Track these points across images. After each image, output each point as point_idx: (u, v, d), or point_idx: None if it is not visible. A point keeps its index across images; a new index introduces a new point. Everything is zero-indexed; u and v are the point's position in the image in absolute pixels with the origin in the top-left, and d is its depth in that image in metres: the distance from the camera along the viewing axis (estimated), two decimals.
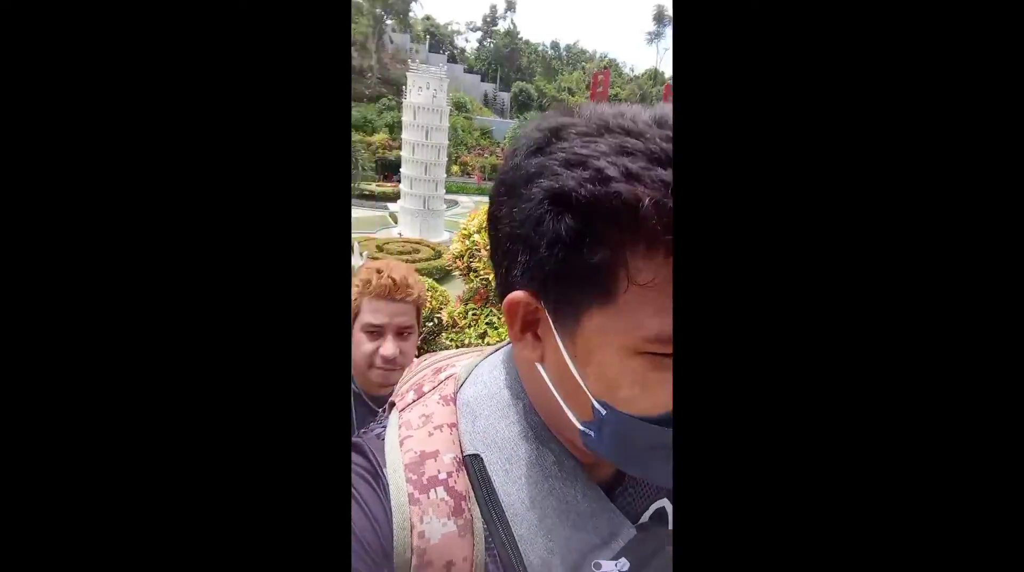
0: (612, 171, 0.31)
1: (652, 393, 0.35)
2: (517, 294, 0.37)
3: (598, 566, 0.40)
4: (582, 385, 0.37)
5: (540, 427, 0.43)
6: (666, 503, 0.48)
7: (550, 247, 0.33)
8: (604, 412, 0.37)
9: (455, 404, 0.44)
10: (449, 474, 0.39)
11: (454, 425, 0.42)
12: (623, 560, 0.40)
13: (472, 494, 0.40)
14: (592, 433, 0.38)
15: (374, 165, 32.06)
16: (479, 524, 0.39)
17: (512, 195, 0.36)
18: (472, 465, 0.41)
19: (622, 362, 0.35)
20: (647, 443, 0.37)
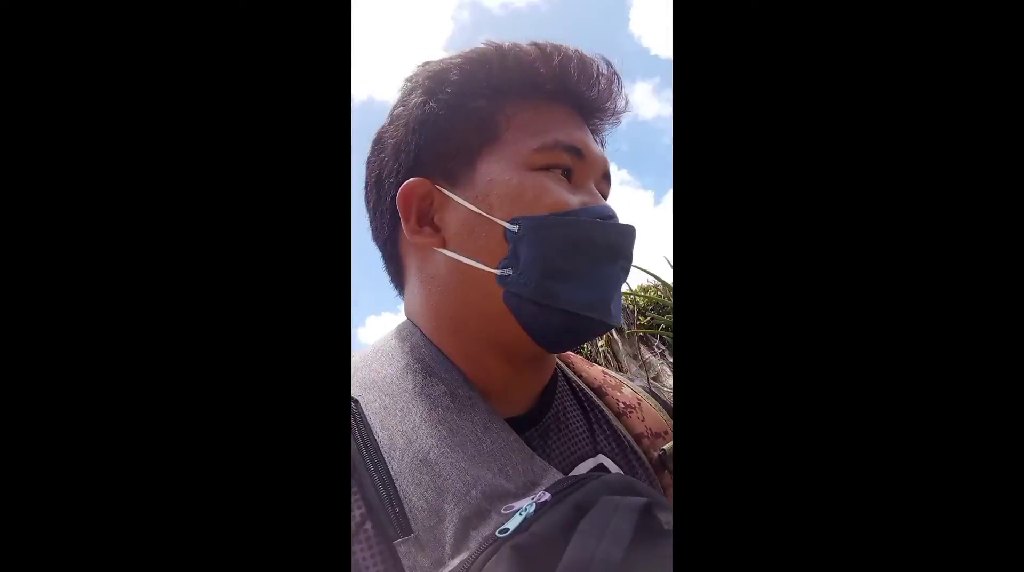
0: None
1: (552, 194, 0.38)
2: (408, 183, 0.40)
3: (508, 509, 0.31)
4: (493, 219, 0.38)
5: (431, 357, 0.39)
6: (604, 459, 0.39)
7: (438, 121, 0.40)
8: (517, 227, 0.37)
9: None
10: None
11: None
12: (541, 493, 0.31)
13: None
14: (509, 270, 0.37)
15: None
16: None
17: (394, 115, 0.42)
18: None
19: (521, 178, 0.38)
20: (573, 237, 0.38)
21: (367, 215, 0.46)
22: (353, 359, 0.42)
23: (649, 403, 0.49)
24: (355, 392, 0.38)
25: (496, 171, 0.39)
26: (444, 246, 0.39)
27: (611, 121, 0.45)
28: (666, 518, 0.31)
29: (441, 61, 0.41)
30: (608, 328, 0.40)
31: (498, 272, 0.38)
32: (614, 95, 0.43)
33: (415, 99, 0.41)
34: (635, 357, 2.11)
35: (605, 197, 0.43)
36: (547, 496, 0.31)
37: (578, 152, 0.40)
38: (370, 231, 0.46)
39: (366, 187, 0.45)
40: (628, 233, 0.41)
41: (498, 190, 0.38)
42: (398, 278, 0.45)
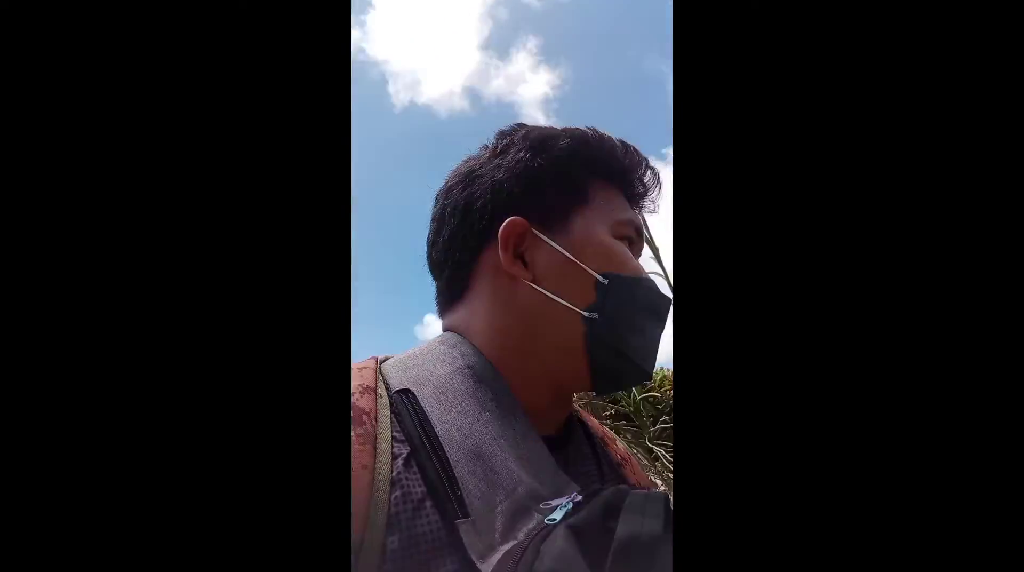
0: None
1: (633, 262, 0.47)
2: (513, 219, 0.46)
3: (546, 505, 0.35)
4: (586, 268, 0.44)
5: (481, 366, 0.43)
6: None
7: (542, 175, 0.47)
8: (607, 280, 0.44)
9: (377, 368, 0.44)
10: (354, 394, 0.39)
11: (371, 389, 0.41)
12: (574, 494, 0.36)
13: (389, 419, 0.38)
14: (596, 314, 0.44)
15: None
16: (385, 444, 0.36)
17: (486, 160, 0.49)
18: (403, 399, 0.40)
19: (610, 241, 0.47)
20: (646, 300, 0.46)
21: (434, 236, 0.51)
22: (397, 358, 0.46)
23: (635, 461, 0.57)
24: (409, 385, 0.41)
25: (590, 230, 0.46)
26: (533, 281, 0.45)
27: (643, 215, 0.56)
28: None
29: (545, 128, 0.50)
30: (647, 377, 0.48)
31: (586, 314, 0.44)
32: (654, 196, 0.53)
33: (518, 153, 0.48)
34: None
35: None
36: (579, 497, 0.36)
37: (639, 233, 0.50)
38: (431, 250, 0.51)
39: (445, 211, 0.50)
40: (670, 305, 0.50)
41: (593, 247, 0.46)
42: (454, 296, 0.50)
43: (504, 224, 0.45)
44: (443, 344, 0.46)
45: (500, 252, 0.45)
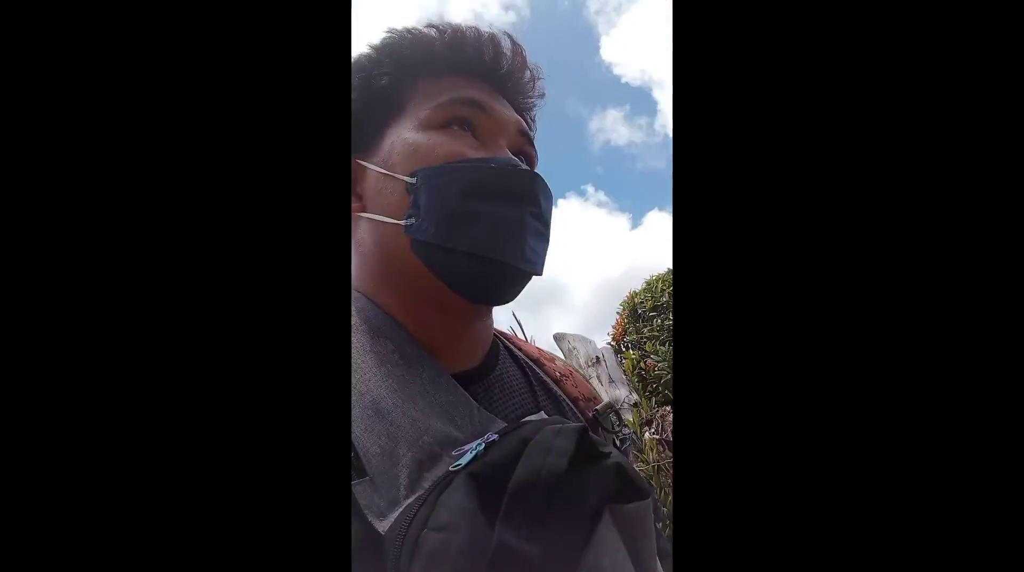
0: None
1: (446, 146, 0.41)
2: None
3: (458, 451, 0.32)
4: (395, 175, 0.41)
5: (378, 319, 0.41)
6: (545, 416, 0.41)
7: (352, 104, 0.42)
8: (415, 179, 0.40)
9: None
10: None
11: None
12: (489, 434, 0.33)
13: None
14: (414, 219, 0.39)
15: None
16: None
17: None
18: None
19: (418, 136, 0.41)
20: (469, 184, 0.39)
21: None
22: None
23: (579, 375, 0.54)
24: None
25: (397, 134, 0.42)
26: (363, 210, 0.43)
27: (526, 96, 0.49)
28: (603, 446, 0.34)
29: (358, 55, 0.46)
30: (523, 273, 0.41)
31: (403, 223, 0.40)
32: (515, 67, 0.46)
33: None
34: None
35: (527, 155, 0.47)
36: (494, 436, 0.33)
37: (476, 104, 0.43)
38: None
39: None
40: (528, 178, 0.42)
41: (398, 149, 0.42)
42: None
43: None
44: None
45: None
